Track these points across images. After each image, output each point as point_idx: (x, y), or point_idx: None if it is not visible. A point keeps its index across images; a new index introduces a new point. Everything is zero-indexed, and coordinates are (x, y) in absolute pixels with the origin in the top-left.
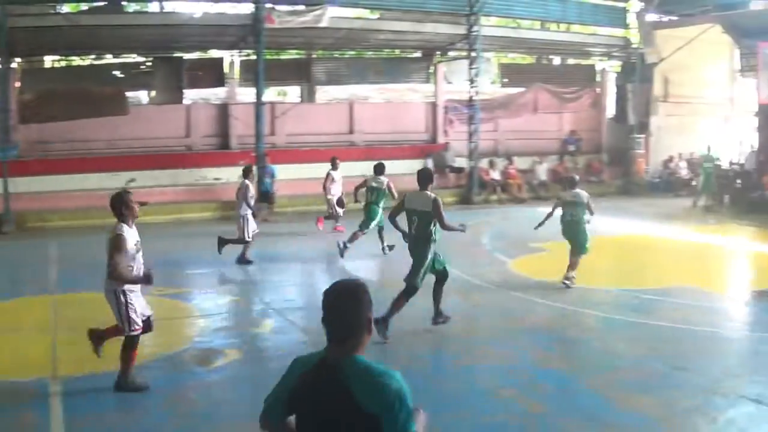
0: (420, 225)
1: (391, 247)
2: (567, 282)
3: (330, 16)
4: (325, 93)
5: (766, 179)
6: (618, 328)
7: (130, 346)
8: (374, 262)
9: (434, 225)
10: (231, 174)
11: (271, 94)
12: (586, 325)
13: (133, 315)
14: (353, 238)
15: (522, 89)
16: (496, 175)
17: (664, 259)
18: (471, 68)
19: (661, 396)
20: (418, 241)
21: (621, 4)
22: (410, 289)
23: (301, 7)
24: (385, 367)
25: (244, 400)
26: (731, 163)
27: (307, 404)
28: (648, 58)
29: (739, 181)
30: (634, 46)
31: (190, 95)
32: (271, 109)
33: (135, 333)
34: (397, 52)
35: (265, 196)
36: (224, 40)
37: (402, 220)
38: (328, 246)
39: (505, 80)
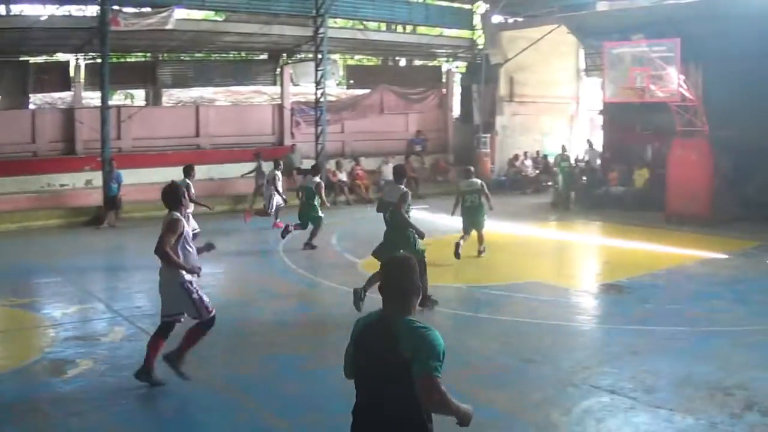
0: (393, 215)
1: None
2: (482, 253)
3: (176, 18)
4: (171, 96)
5: (612, 176)
6: (469, 324)
7: (207, 328)
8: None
9: (407, 212)
10: (77, 180)
11: (117, 97)
12: (437, 323)
13: (204, 297)
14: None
15: (368, 90)
16: (343, 176)
17: (512, 256)
18: (317, 70)
19: (514, 390)
20: (395, 229)
21: (467, 6)
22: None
23: (147, 10)
24: (427, 325)
25: (98, 409)
26: (576, 161)
27: (363, 349)
28: (493, 59)
29: (584, 177)
30: (479, 47)
31: (35, 100)
32: (117, 113)
33: (213, 314)
34: (243, 54)
35: (112, 202)
36: (70, 43)
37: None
38: None
39: (352, 82)
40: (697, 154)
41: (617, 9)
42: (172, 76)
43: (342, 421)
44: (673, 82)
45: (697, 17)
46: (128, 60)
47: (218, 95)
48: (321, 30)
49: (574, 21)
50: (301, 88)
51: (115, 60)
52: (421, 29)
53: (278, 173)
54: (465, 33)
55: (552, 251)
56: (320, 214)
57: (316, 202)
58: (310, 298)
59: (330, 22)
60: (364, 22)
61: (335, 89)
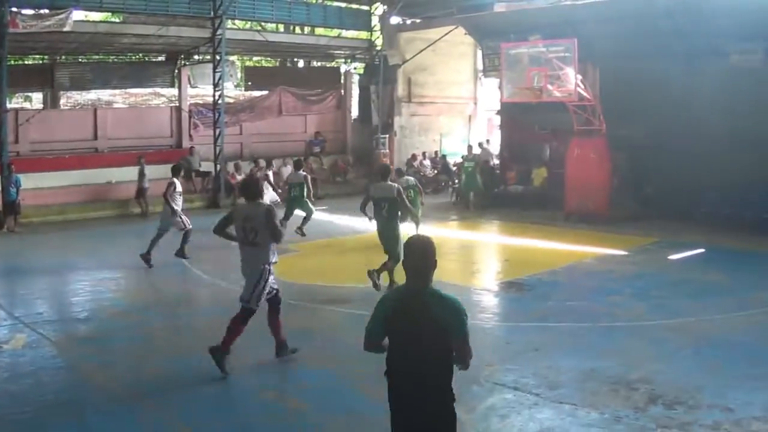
0: (390, 209)
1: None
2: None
3: (74, 20)
4: (69, 99)
5: (510, 175)
6: None
7: (244, 318)
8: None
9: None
10: None
11: (15, 100)
12: (338, 322)
13: (263, 293)
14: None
15: (266, 92)
16: (242, 178)
17: None
18: (215, 71)
19: None
20: (389, 222)
21: (365, 8)
22: (395, 259)
23: (45, 11)
24: (448, 294)
25: (2, 419)
26: (484, 161)
27: (399, 323)
28: (391, 60)
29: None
30: (377, 48)
31: None
32: (15, 117)
33: (255, 310)
34: (141, 56)
35: (11, 207)
36: None
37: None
38: (76, 255)
39: (250, 83)
40: (594, 153)
41: (514, 10)
42: (70, 79)
43: (249, 421)
44: (571, 82)
45: (593, 18)
46: (26, 62)
47: (116, 97)
48: (219, 31)
49: (472, 22)
50: (199, 90)
51: (12, 62)
52: (319, 30)
53: (176, 181)
54: (363, 34)
55: (452, 250)
56: (311, 204)
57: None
58: (212, 300)
59: (228, 23)
60: (262, 24)
61: (233, 91)
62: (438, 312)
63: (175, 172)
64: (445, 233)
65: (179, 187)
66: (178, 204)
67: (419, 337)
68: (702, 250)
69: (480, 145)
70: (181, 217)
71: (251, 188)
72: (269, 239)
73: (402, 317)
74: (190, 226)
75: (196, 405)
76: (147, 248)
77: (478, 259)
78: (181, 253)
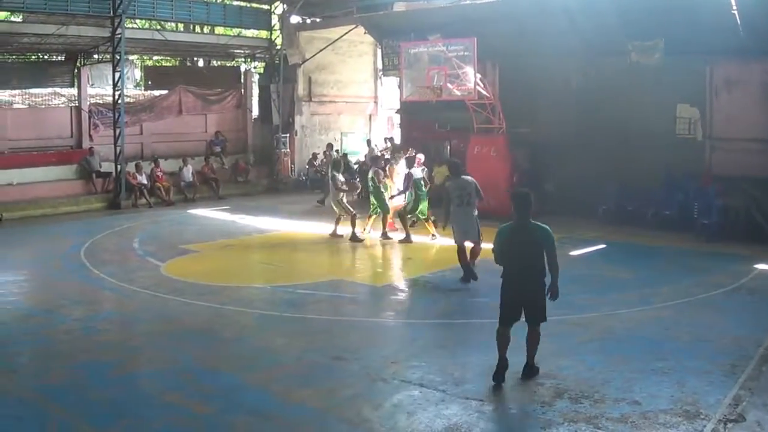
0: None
1: None
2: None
3: None
4: None
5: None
6: (275, 324)
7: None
8: None
9: (476, 197)
10: None
11: None
12: (244, 323)
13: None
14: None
15: (166, 91)
16: (143, 178)
17: (315, 255)
18: (115, 71)
19: (323, 387)
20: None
21: (265, 7)
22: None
23: None
24: (543, 224)
25: None
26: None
27: (514, 242)
28: (291, 59)
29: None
30: (277, 47)
31: None
32: None
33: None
34: (40, 56)
35: None
36: None
37: None
38: None
39: (150, 83)
40: (494, 150)
41: (414, 9)
42: None
43: (153, 426)
44: (470, 81)
45: (492, 17)
46: None
47: (16, 98)
48: (118, 31)
49: (372, 21)
50: (99, 89)
51: None
52: (219, 30)
53: None
54: (263, 33)
55: (354, 249)
56: (387, 202)
57: (421, 192)
58: (115, 303)
59: (127, 22)
60: (162, 23)
61: (133, 91)
62: (537, 235)
63: None
64: (346, 231)
65: None
66: None
67: (527, 249)
68: (603, 246)
69: (369, 143)
70: None
71: (460, 167)
72: (476, 200)
73: (516, 239)
74: None
75: (100, 408)
76: None
77: (381, 257)
78: None
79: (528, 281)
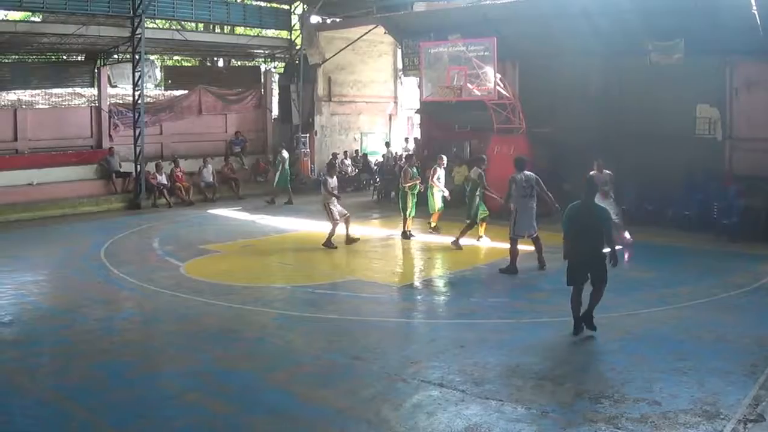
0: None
1: None
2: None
3: None
4: None
5: (429, 172)
6: (295, 324)
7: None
8: None
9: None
10: None
11: None
12: (263, 323)
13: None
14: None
15: (186, 92)
16: (163, 178)
17: (335, 255)
18: (135, 71)
19: (343, 387)
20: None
21: (285, 7)
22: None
23: None
24: (601, 205)
25: None
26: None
27: (578, 219)
28: (311, 59)
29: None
30: (297, 47)
31: None
32: None
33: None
34: (60, 55)
35: None
36: None
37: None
38: None
39: (170, 82)
40: (515, 150)
41: (434, 9)
42: None
43: (173, 425)
44: (490, 81)
45: (512, 17)
46: None
47: (36, 98)
48: (138, 31)
49: (392, 21)
50: (119, 89)
51: None
52: (239, 30)
53: None
54: (283, 33)
55: (375, 248)
56: (482, 208)
57: (479, 193)
58: (135, 303)
59: (148, 22)
60: (182, 23)
61: (153, 90)
62: (596, 212)
63: None
64: (367, 231)
65: None
66: None
67: (589, 224)
68: (622, 246)
69: (388, 145)
70: None
71: (524, 162)
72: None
73: (581, 216)
74: None
75: (120, 407)
76: None
77: (401, 257)
78: None
79: (591, 250)
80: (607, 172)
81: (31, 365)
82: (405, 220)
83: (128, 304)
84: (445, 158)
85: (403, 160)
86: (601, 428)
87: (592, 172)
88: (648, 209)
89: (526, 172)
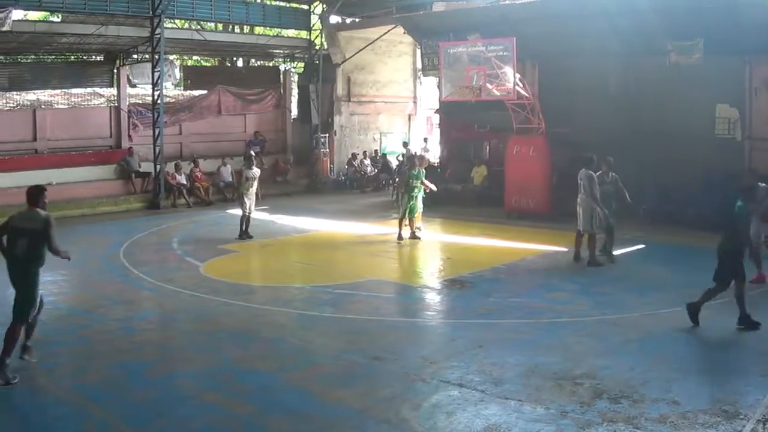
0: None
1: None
2: None
3: (13, 19)
4: (9, 99)
5: (447, 173)
6: (314, 323)
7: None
8: None
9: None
10: None
11: None
12: (282, 323)
13: None
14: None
15: (205, 91)
16: (182, 178)
17: (354, 255)
18: (154, 71)
19: (362, 387)
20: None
21: (304, 7)
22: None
23: None
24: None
25: None
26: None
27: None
28: (334, 59)
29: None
30: (317, 47)
31: None
32: None
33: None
34: (80, 55)
35: None
36: None
37: None
38: None
39: (189, 82)
40: (534, 150)
41: (453, 9)
42: (8, 79)
43: (192, 425)
44: (510, 81)
45: (532, 17)
46: None
47: (56, 97)
48: (158, 31)
49: (411, 21)
50: (138, 89)
51: None
52: (258, 29)
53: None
54: (302, 33)
55: (393, 249)
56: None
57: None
58: (154, 303)
59: (167, 22)
60: (201, 23)
61: (172, 90)
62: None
63: None
64: (385, 231)
65: None
66: None
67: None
68: (643, 246)
69: (405, 145)
70: None
71: (592, 162)
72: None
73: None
74: None
75: (138, 407)
76: None
77: (420, 257)
78: None
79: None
80: (613, 174)
81: (50, 365)
82: (411, 221)
83: (147, 304)
84: (426, 158)
85: (404, 161)
86: (620, 428)
87: (599, 173)
88: (668, 209)
89: (585, 170)
